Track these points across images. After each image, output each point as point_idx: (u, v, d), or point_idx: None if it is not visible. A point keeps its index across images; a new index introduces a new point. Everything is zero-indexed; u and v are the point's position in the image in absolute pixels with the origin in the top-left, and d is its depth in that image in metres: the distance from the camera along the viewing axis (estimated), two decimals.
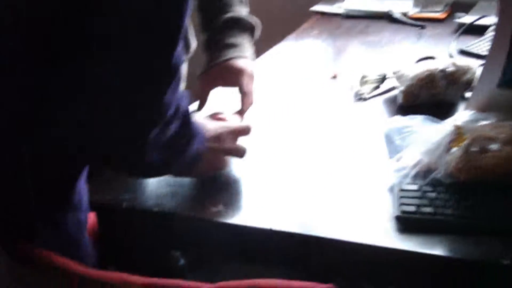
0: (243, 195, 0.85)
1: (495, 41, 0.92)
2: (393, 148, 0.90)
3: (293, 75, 1.27)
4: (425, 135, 0.87)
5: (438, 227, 0.74)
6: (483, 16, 1.45)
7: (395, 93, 1.12)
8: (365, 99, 1.13)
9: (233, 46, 1.01)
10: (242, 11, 1.05)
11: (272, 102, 1.13)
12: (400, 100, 1.08)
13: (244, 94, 1.00)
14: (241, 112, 1.00)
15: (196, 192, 0.85)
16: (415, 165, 0.82)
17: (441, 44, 1.38)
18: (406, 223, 0.75)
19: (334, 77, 1.24)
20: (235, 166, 0.90)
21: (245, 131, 0.90)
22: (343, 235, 0.74)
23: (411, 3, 1.67)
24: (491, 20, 1.36)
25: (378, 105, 1.11)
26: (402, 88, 1.08)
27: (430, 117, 0.94)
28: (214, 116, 0.93)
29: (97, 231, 0.85)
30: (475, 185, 0.79)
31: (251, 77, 1.02)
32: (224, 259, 0.91)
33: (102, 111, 0.67)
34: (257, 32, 1.07)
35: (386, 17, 1.61)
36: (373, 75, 1.18)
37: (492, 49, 0.93)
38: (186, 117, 0.75)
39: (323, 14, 1.68)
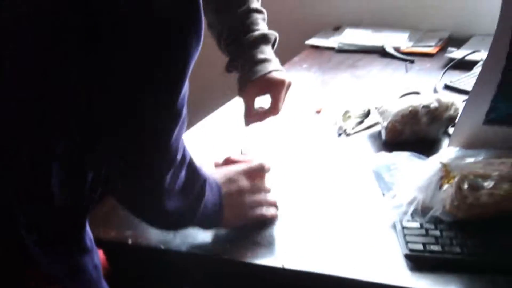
0: (248, 233, 0.84)
1: (483, 76, 0.91)
2: (384, 184, 0.92)
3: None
4: (415, 172, 0.88)
5: (449, 265, 0.75)
6: (474, 52, 1.45)
7: (379, 128, 1.12)
8: (348, 135, 1.13)
9: (267, 60, 1.07)
10: (265, 27, 1.11)
11: (256, 137, 1.14)
12: (384, 136, 1.09)
13: (277, 105, 1.07)
14: (264, 117, 1.08)
15: (200, 229, 0.84)
16: (411, 202, 0.83)
17: (428, 79, 1.39)
18: (416, 261, 0.76)
19: (318, 112, 1.25)
20: None
21: (259, 169, 0.88)
22: (356, 274, 0.75)
23: (406, 37, 1.68)
24: (481, 55, 1.37)
25: (362, 141, 1.11)
26: (385, 124, 1.08)
27: (416, 154, 0.96)
28: (227, 161, 0.92)
29: (108, 269, 0.85)
30: (477, 222, 0.80)
31: (289, 88, 1.10)
32: None
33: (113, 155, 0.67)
34: (276, 44, 1.15)
35: (379, 52, 1.62)
36: (357, 110, 1.18)
37: (478, 85, 0.92)
38: (191, 164, 0.75)
39: (317, 47, 1.70)
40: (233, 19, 1.08)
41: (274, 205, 0.88)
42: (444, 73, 1.41)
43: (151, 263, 0.86)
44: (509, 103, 0.89)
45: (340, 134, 1.15)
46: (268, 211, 0.87)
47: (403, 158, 0.95)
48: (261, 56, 1.08)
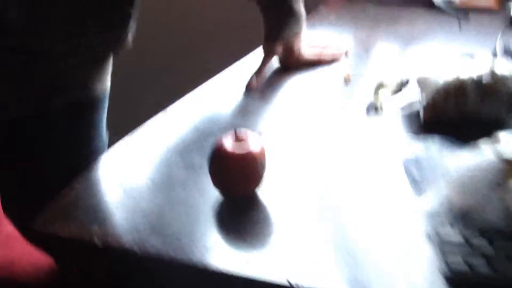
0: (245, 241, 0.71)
1: None
2: (415, 182, 0.80)
3: (299, 74, 1.18)
4: (451, 167, 0.75)
5: None
6: None
7: (418, 104, 0.98)
8: (380, 112, 1.00)
9: (299, 15, 1.14)
10: None
11: (270, 112, 1.05)
12: (421, 114, 0.96)
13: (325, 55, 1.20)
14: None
15: (185, 228, 0.73)
16: (449, 208, 0.72)
17: (487, 40, 1.25)
18: (461, 285, 0.65)
19: (347, 80, 1.12)
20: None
21: None
22: None
23: None
24: None
25: (397, 121, 0.98)
26: (425, 99, 0.95)
27: (449, 140, 0.83)
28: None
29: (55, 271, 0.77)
30: None
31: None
32: None
33: None
34: None
35: (425, 3, 1.49)
36: (393, 80, 1.05)
37: None
38: None
39: None
40: None
41: None
42: (506, 33, 1.28)
43: (124, 269, 0.74)
44: None
45: (369, 112, 1.01)
46: None
47: (433, 148, 0.83)
48: (295, 5, 1.11)
